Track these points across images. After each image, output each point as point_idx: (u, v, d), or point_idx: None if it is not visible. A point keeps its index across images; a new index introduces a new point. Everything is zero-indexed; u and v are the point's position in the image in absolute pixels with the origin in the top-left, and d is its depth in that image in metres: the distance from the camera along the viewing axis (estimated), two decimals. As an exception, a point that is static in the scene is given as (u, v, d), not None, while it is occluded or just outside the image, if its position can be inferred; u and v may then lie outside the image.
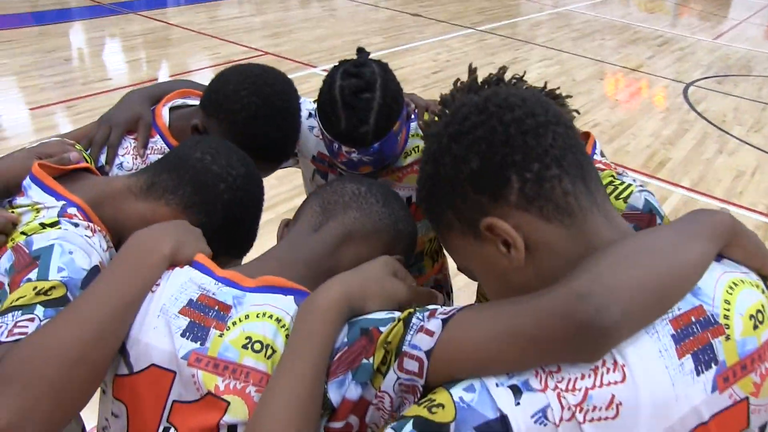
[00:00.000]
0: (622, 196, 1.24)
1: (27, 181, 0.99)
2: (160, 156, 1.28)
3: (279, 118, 1.29)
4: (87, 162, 1.13)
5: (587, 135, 1.39)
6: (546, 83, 1.20)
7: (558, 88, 1.21)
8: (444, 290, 1.96)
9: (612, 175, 1.27)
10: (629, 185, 1.24)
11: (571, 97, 1.24)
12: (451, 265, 1.90)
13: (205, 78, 1.61)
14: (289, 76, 1.40)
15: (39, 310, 0.80)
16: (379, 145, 1.34)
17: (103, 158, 1.29)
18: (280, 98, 1.30)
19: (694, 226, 0.73)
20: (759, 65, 8.51)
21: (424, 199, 0.81)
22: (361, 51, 1.43)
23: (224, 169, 1.04)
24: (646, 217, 1.23)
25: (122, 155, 1.31)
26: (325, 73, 1.40)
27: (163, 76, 6.00)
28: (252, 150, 1.23)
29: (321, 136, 1.57)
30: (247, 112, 1.26)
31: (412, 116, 1.55)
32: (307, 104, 1.59)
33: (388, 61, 1.43)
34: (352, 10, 9.34)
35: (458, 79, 1.24)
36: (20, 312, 0.79)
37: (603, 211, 0.74)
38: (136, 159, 1.31)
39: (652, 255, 0.68)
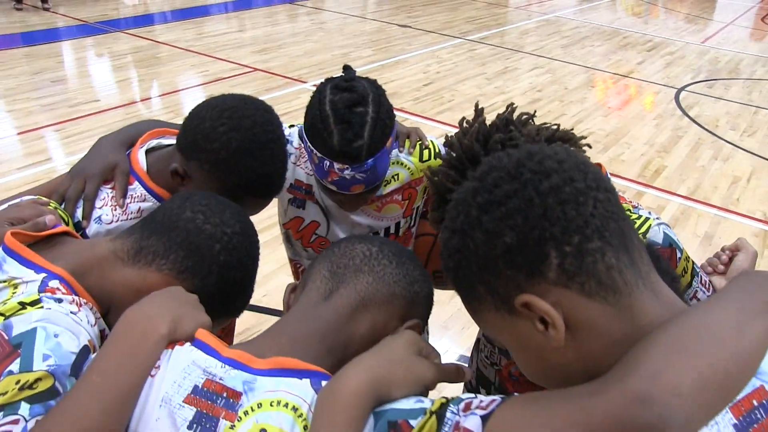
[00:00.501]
0: (640, 232, 1.19)
1: (0, 254, 0.91)
2: (140, 204, 1.24)
3: (264, 152, 1.21)
4: (64, 223, 1.05)
5: (598, 166, 1.34)
6: (558, 125, 1.15)
7: (572, 129, 1.16)
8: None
9: (628, 209, 1.22)
10: (647, 219, 1.19)
11: (585, 138, 1.17)
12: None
13: (195, 97, 1.55)
14: (280, 93, 1.34)
15: (24, 409, 0.72)
16: (373, 161, 1.29)
17: (79, 213, 1.20)
18: (262, 129, 1.21)
19: (754, 298, 0.67)
20: (747, 68, 8.53)
21: (450, 271, 0.75)
22: (347, 68, 1.38)
23: (218, 228, 0.97)
24: (667, 252, 1.19)
25: (99, 207, 1.22)
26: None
27: (153, 96, 5.94)
28: (240, 187, 1.19)
29: (297, 162, 1.53)
30: (228, 150, 1.17)
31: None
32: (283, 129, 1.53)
33: (378, 74, 1.40)
34: (340, 23, 9.31)
35: (464, 118, 1.19)
36: (1, 413, 0.71)
37: (649, 284, 0.69)
38: (115, 210, 1.22)
39: (713, 340, 0.62)
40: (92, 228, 1.21)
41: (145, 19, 8.82)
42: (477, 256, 0.69)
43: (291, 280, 2.13)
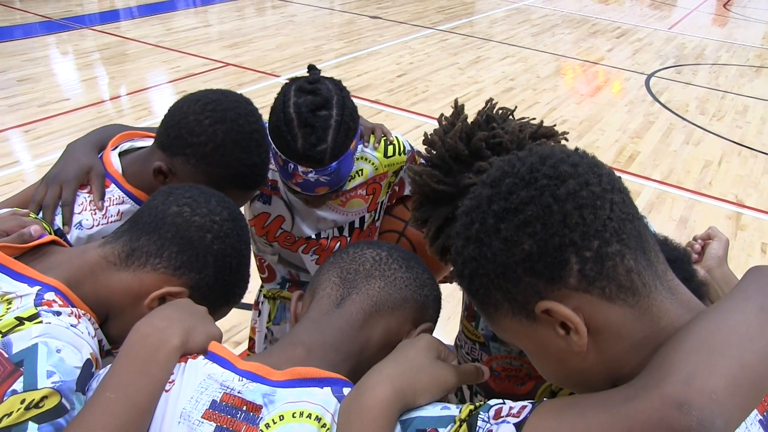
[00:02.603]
0: None
1: None
2: (119, 206, 1.23)
3: (249, 142, 1.21)
4: (48, 232, 1.03)
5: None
6: (542, 121, 1.14)
7: (555, 125, 1.15)
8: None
9: None
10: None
11: (567, 133, 1.17)
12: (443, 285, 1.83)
13: (166, 94, 1.52)
14: (253, 87, 1.34)
15: (32, 429, 0.70)
16: (337, 164, 1.29)
17: (58, 220, 1.19)
18: (245, 120, 1.21)
19: None
20: (712, 53, 8.68)
21: (465, 279, 0.74)
22: (312, 68, 1.39)
23: (207, 218, 0.96)
24: None
25: (79, 213, 1.21)
26: None
27: (124, 94, 5.83)
28: (226, 180, 1.19)
29: (269, 164, 1.51)
30: (215, 142, 1.18)
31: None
32: None
33: (351, 66, 1.41)
34: (311, 15, 9.23)
35: (443, 115, 1.18)
36: None
37: (666, 284, 0.70)
38: (95, 214, 1.21)
39: (741, 341, 0.62)
40: (74, 234, 1.19)
41: (111, 15, 8.65)
42: (495, 264, 0.69)
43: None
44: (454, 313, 3.23)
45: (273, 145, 1.31)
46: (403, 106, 5.83)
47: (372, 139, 1.57)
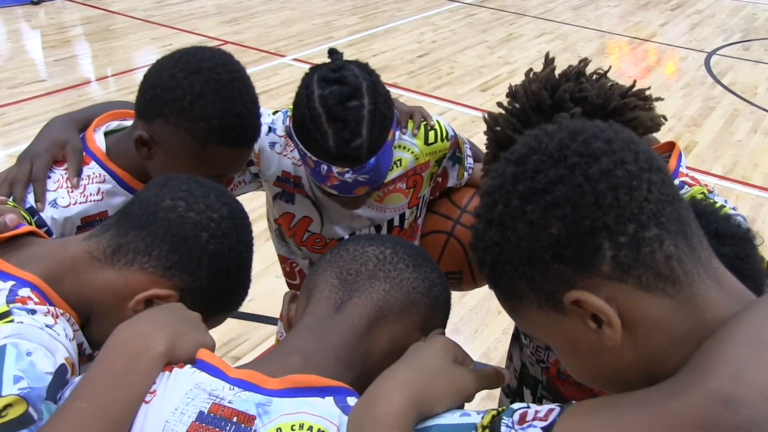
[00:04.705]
0: None
1: None
2: (99, 185, 1.26)
3: (231, 90, 1.23)
4: (27, 222, 1.04)
5: (672, 145, 1.34)
6: (635, 81, 1.18)
7: (648, 87, 1.20)
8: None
9: (703, 193, 1.22)
10: (722, 207, 1.18)
11: (662, 99, 1.22)
12: (470, 296, 1.79)
13: None
14: (256, 68, 1.34)
15: None
16: (376, 159, 1.29)
17: (30, 198, 1.22)
18: (224, 69, 1.24)
19: None
20: (789, 26, 8.55)
21: (486, 266, 0.75)
22: (333, 52, 1.38)
23: (204, 215, 0.97)
24: None
25: (54, 190, 1.24)
26: (296, 63, 1.37)
27: (108, 75, 5.85)
28: (211, 135, 1.21)
29: (283, 152, 1.55)
30: (192, 94, 1.20)
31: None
32: (265, 117, 1.53)
33: (366, 45, 1.39)
34: (319, -13, 9.24)
35: (531, 69, 1.22)
36: None
37: (710, 272, 0.70)
38: (72, 192, 1.24)
39: None
40: (48, 213, 1.22)
41: (94, -13, 8.71)
42: (519, 249, 0.70)
43: (280, 281, 2.07)
44: (482, 326, 3.21)
45: (300, 146, 1.31)
46: (425, 90, 5.80)
47: (410, 124, 1.56)
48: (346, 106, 1.26)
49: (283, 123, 1.54)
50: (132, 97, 1.29)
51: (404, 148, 1.54)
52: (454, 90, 5.82)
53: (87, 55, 6.28)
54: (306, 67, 1.47)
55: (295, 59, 6.13)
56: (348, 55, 1.41)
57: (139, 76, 1.26)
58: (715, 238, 0.89)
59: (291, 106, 1.38)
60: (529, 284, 0.71)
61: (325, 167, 1.29)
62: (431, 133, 1.57)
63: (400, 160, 1.53)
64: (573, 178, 0.67)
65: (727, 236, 0.93)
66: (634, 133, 0.74)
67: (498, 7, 8.67)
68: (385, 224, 1.61)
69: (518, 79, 1.22)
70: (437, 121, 1.60)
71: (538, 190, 0.68)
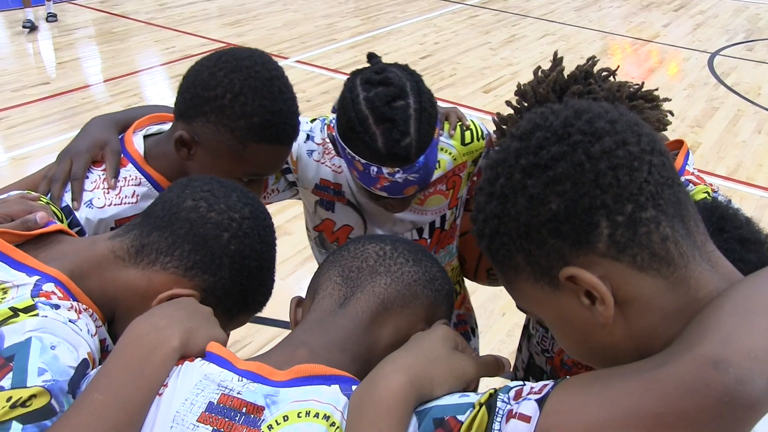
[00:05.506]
0: None
1: None
2: (134, 188, 1.27)
3: (270, 88, 1.24)
4: (58, 220, 1.05)
5: (680, 143, 1.35)
6: (643, 83, 1.19)
7: (656, 89, 1.21)
8: (468, 326, 1.90)
9: (707, 192, 1.22)
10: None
11: (669, 100, 1.23)
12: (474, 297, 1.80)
13: (159, 78, 1.53)
14: None
15: (15, 429, 0.72)
16: (424, 157, 1.30)
17: (67, 197, 1.23)
18: (263, 67, 1.25)
19: None
20: (791, 27, 8.54)
21: (485, 238, 0.76)
22: (372, 56, 1.39)
23: (225, 215, 0.98)
24: None
25: (91, 191, 1.26)
26: (299, 65, 1.37)
27: (112, 77, 5.86)
28: (252, 133, 1.22)
29: (322, 160, 1.55)
30: (232, 92, 1.21)
31: None
32: (303, 124, 1.52)
33: (369, 47, 1.40)
34: (322, -11, 9.25)
35: (539, 67, 1.23)
36: None
37: (705, 254, 0.72)
38: (107, 193, 1.26)
39: None
40: (83, 214, 1.23)
41: (97, -10, 8.72)
42: (518, 223, 0.71)
43: (285, 283, 2.09)
44: (486, 328, 3.20)
45: (348, 150, 1.32)
46: (428, 91, 5.79)
47: (446, 125, 1.56)
48: (392, 106, 1.26)
49: (321, 131, 1.54)
50: (135, 100, 1.30)
51: (442, 149, 1.54)
52: (457, 92, 5.82)
53: (90, 57, 6.29)
54: (309, 69, 1.48)
55: (297, 61, 6.13)
56: (350, 57, 1.41)
57: (140, 80, 1.27)
58: (740, 244, 0.90)
59: (328, 115, 1.37)
60: (525, 258, 0.72)
61: (375, 169, 1.29)
62: (467, 133, 1.57)
63: (439, 162, 1.53)
64: (575, 155, 0.68)
65: (752, 242, 0.94)
66: (638, 117, 0.75)
67: (500, 9, 8.67)
68: (426, 227, 1.62)
69: (521, 80, 1.24)
70: (472, 121, 1.60)
71: (540, 165, 0.69)
